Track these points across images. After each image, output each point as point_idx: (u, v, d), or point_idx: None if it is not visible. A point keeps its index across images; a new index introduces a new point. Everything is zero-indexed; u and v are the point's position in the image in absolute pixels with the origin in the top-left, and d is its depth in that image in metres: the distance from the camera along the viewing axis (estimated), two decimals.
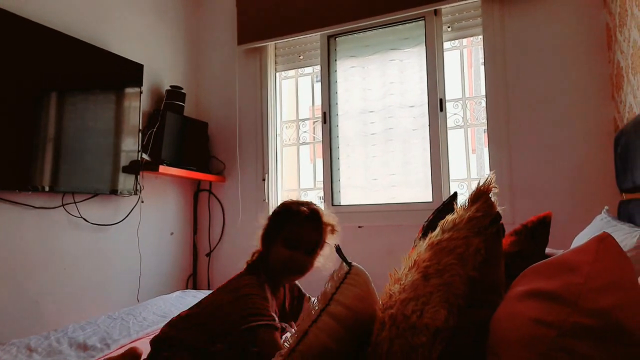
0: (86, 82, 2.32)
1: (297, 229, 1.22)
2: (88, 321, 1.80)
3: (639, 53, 1.78)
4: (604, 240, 0.65)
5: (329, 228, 1.26)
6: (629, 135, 1.72)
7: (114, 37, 2.56)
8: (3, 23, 1.92)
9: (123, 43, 2.62)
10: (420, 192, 2.62)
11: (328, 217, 1.27)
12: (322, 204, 2.88)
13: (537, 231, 1.07)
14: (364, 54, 2.84)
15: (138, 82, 2.59)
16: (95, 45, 2.34)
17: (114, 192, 2.41)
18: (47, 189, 2.08)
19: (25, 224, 2.05)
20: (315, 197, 3.18)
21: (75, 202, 2.26)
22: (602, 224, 1.57)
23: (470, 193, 0.89)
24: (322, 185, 2.89)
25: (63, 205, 2.21)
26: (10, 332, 1.89)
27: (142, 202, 2.65)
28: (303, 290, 1.41)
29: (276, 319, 1.17)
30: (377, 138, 2.76)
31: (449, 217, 0.88)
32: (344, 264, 0.94)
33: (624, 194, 2.00)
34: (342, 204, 2.83)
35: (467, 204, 0.88)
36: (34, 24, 2.04)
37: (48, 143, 2.10)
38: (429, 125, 2.60)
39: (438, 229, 0.88)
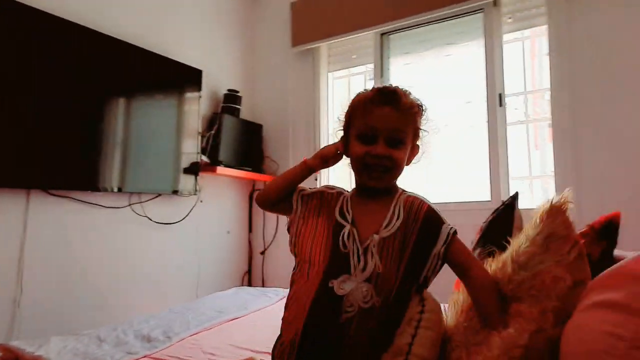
0: (150, 89, 2.46)
1: (364, 118, 0.95)
2: (151, 314, 1.91)
3: None
4: None
5: (413, 110, 0.96)
6: None
7: (175, 45, 2.68)
8: (75, 35, 2.08)
9: (183, 50, 2.73)
10: (477, 190, 2.52)
11: (406, 95, 0.97)
12: None
13: (605, 233, 1.00)
14: (418, 50, 2.78)
15: (197, 87, 2.70)
16: (157, 53, 2.47)
17: (175, 192, 2.53)
18: (115, 189, 2.23)
19: (96, 222, 2.20)
20: None
21: (140, 202, 2.40)
22: None
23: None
24: None
25: (130, 205, 2.35)
26: (82, 323, 2.03)
27: (201, 201, 2.76)
28: (440, 216, 0.98)
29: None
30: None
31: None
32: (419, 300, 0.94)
33: None
34: None
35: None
36: (102, 35, 2.18)
37: (116, 146, 2.24)
38: (488, 122, 2.49)
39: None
